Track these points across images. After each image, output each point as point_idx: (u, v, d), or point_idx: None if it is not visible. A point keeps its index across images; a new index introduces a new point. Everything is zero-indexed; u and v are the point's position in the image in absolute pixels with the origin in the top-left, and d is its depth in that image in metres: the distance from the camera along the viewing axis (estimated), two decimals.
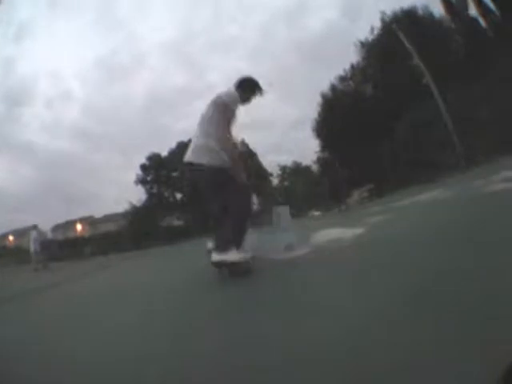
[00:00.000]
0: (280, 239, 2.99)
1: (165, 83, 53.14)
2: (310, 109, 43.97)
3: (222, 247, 2.17)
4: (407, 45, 14.47)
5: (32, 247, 11.16)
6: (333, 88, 23.30)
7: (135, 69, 60.57)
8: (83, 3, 59.22)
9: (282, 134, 51.66)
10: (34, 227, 11.56)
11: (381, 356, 0.72)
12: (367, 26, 21.41)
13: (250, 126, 29.28)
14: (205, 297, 1.95)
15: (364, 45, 21.10)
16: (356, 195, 19.69)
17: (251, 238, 2.87)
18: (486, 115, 10.23)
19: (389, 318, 0.93)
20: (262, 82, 2.58)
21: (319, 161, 24.27)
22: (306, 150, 40.84)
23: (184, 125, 57.49)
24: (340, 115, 20.71)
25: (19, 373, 1.15)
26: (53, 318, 2.23)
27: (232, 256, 2.15)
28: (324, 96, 23.60)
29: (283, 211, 3.25)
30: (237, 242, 2.24)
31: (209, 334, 1.20)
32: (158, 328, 1.42)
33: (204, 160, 2.36)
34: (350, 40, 21.68)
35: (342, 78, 23.47)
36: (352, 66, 22.73)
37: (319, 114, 23.86)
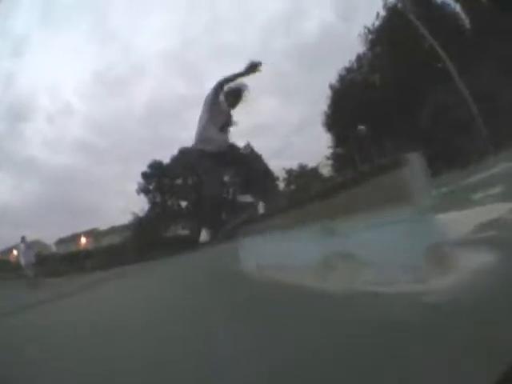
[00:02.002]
0: None
1: (164, 92, 53.36)
2: (311, 113, 42.73)
3: None
4: (417, 24, 13.76)
5: (22, 261, 10.52)
6: (341, 79, 22.64)
7: (134, 79, 61.03)
8: (75, 17, 58.60)
9: (284, 138, 51.03)
10: (22, 239, 10.75)
11: None
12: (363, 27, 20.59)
13: (253, 131, 28.70)
14: None
15: (371, 31, 20.17)
16: None
17: None
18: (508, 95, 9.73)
19: None
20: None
21: (333, 157, 22.92)
22: (311, 153, 39.92)
23: (186, 133, 56.90)
24: (351, 106, 20.15)
25: None
26: None
27: None
28: (332, 87, 22.94)
29: None
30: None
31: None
32: None
33: None
34: (347, 42, 20.64)
35: (349, 70, 22.73)
36: (359, 57, 21.90)
37: (329, 107, 23.06)
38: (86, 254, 27.75)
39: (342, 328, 1.04)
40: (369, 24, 19.64)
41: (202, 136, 2.98)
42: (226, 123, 3.10)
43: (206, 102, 2.95)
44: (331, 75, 23.20)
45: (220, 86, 2.94)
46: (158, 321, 1.95)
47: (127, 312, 2.67)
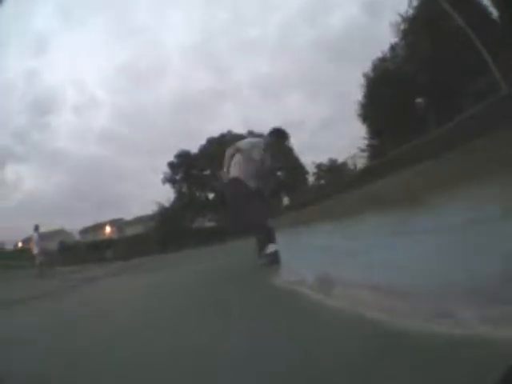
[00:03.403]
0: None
1: (190, 85, 53.45)
2: (337, 107, 41.83)
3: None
4: (452, 12, 13.42)
5: (35, 249, 10.72)
6: (374, 68, 22.15)
7: (159, 73, 61.13)
8: (96, 12, 59.43)
9: (311, 133, 50.20)
10: (36, 228, 10.89)
11: None
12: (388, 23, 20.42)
13: (282, 126, 28.24)
14: None
15: (405, 19, 19.61)
16: None
17: None
18: None
19: None
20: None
21: (370, 148, 21.79)
22: (339, 147, 38.94)
23: (213, 125, 57.02)
24: (387, 95, 19.63)
25: None
26: None
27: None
28: (366, 75, 22.37)
29: None
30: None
31: None
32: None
33: None
34: (372, 37, 20.14)
35: (382, 60, 22.12)
36: (392, 47, 21.23)
37: (364, 96, 22.52)
38: (108, 243, 27.87)
39: None
40: (396, 15, 19.44)
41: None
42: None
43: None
44: (358, 68, 22.51)
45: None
46: (174, 314, 1.99)
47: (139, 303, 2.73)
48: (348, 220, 1.36)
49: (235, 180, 3.77)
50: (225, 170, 3.90)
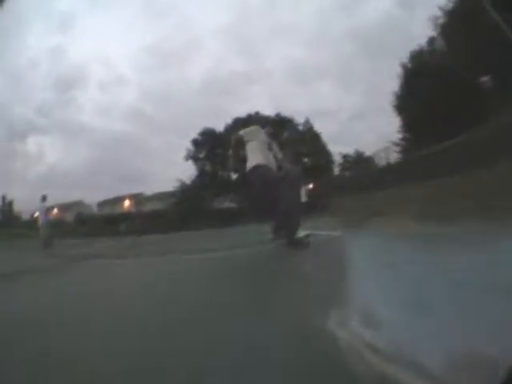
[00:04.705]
0: None
1: (220, 67, 53.10)
2: (367, 100, 41.12)
3: None
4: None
5: (40, 221, 10.51)
6: (413, 58, 21.39)
7: (188, 53, 60.98)
8: None
9: (340, 123, 49.33)
10: (43, 198, 10.64)
11: None
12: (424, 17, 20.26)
13: (311, 115, 29.21)
14: None
15: (445, 12, 19.02)
16: None
17: None
18: None
19: None
20: None
21: (405, 141, 21.05)
22: (367, 140, 38.26)
23: (242, 107, 56.84)
24: (427, 86, 18.83)
25: None
26: None
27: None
28: (404, 66, 21.67)
29: None
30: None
31: None
32: None
33: None
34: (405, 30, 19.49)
35: (420, 52, 21.43)
36: (431, 40, 20.58)
37: (401, 86, 21.88)
38: (123, 217, 27.99)
39: None
40: (430, 9, 19.06)
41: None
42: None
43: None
44: (390, 62, 21.87)
45: None
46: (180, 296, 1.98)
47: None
48: None
49: (261, 167, 3.78)
50: (233, 155, 4.08)
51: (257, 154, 3.82)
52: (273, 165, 3.90)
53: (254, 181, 3.82)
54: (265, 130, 4.50)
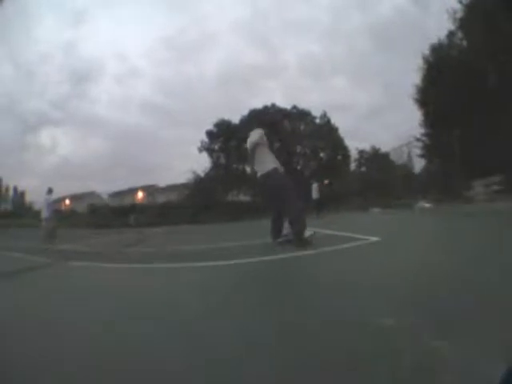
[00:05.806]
0: None
1: (235, 60, 53.22)
2: (383, 97, 40.39)
3: None
4: None
5: (44, 213, 10.10)
6: (434, 50, 20.88)
7: (204, 46, 61.03)
8: None
9: (356, 119, 48.84)
10: (49, 191, 10.29)
11: None
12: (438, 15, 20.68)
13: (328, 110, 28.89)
14: None
15: (464, 5, 18.57)
16: (479, 187, 15.42)
17: None
18: None
19: None
20: None
21: (427, 137, 20.39)
22: (382, 136, 37.73)
23: (256, 101, 56.65)
24: (450, 80, 18.36)
25: None
26: None
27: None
28: (426, 58, 21.14)
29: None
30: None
31: None
32: None
33: None
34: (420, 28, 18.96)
35: (440, 46, 20.85)
36: (451, 33, 19.99)
37: (423, 79, 21.29)
38: (133, 209, 27.71)
39: None
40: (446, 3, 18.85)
41: None
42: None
43: None
44: (405, 59, 21.24)
45: None
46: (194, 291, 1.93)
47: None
48: None
49: (278, 170, 4.13)
50: (252, 161, 4.28)
51: (270, 157, 4.18)
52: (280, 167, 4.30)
53: (273, 183, 4.11)
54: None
